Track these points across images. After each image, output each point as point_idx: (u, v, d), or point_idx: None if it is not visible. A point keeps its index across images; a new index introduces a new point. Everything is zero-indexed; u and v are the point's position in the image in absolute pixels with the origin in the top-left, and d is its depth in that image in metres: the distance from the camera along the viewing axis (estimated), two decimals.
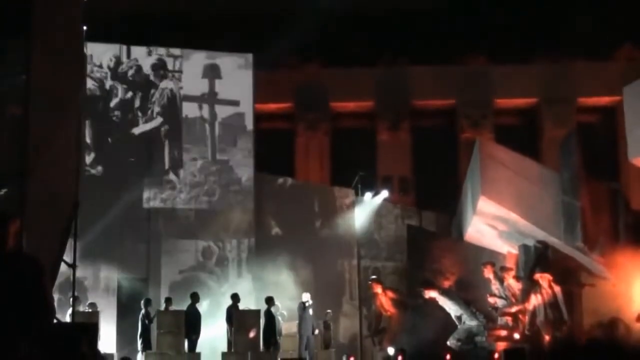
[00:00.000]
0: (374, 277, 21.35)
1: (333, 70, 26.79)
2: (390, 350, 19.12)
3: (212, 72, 21.86)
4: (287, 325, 19.16)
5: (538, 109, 27.50)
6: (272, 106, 26.50)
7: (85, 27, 12.72)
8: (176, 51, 21.68)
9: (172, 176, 21.13)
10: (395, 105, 27.10)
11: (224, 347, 17.79)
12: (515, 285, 19.17)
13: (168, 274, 20.40)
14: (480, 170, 19.52)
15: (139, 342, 17.18)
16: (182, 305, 17.95)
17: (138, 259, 20.21)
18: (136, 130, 21.13)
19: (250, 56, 22.10)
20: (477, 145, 20.78)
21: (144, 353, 16.93)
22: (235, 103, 21.86)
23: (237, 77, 21.87)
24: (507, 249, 20.45)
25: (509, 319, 19.10)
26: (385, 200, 23.03)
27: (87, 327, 11.70)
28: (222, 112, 21.83)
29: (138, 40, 21.48)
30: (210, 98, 21.81)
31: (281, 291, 19.64)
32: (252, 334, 17.40)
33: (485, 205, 19.30)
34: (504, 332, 18.78)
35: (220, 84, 21.86)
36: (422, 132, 27.15)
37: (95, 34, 15.16)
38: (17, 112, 11.32)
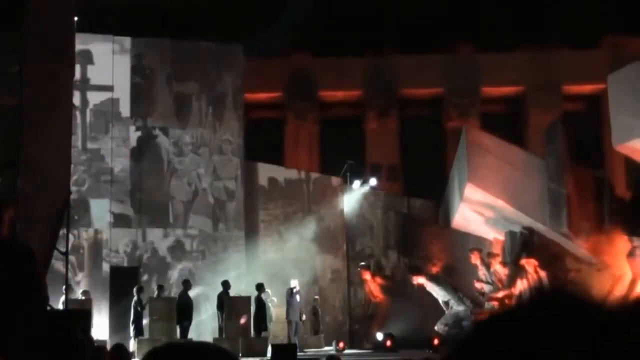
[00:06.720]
0: (362, 263, 21.56)
1: (322, 60, 26.94)
2: (379, 336, 19.35)
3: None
4: (278, 312, 19.38)
5: (524, 97, 27.74)
6: (261, 95, 26.63)
7: (76, 18, 12.88)
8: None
9: None
10: (383, 94, 27.27)
11: (215, 333, 18.03)
12: (502, 271, 19.43)
13: None
14: (467, 158, 19.74)
15: (131, 328, 17.36)
16: None
17: None
18: None
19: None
20: (464, 133, 20.99)
21: (136, 339, 17.11)
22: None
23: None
24: (494, 235, 20.68)
25: (495, 304, 19.34)
26: (373, 188, 23.19)
27: (80, 314, 11.93)
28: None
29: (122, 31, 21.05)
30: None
31: (271, 278, 19.83)
32: (243, 321, 17.63)
33: (471, 192, 19.52)
34: None
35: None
36: (410, 120, 27.36)
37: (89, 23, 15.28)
38: (11, 103, 11.41)
